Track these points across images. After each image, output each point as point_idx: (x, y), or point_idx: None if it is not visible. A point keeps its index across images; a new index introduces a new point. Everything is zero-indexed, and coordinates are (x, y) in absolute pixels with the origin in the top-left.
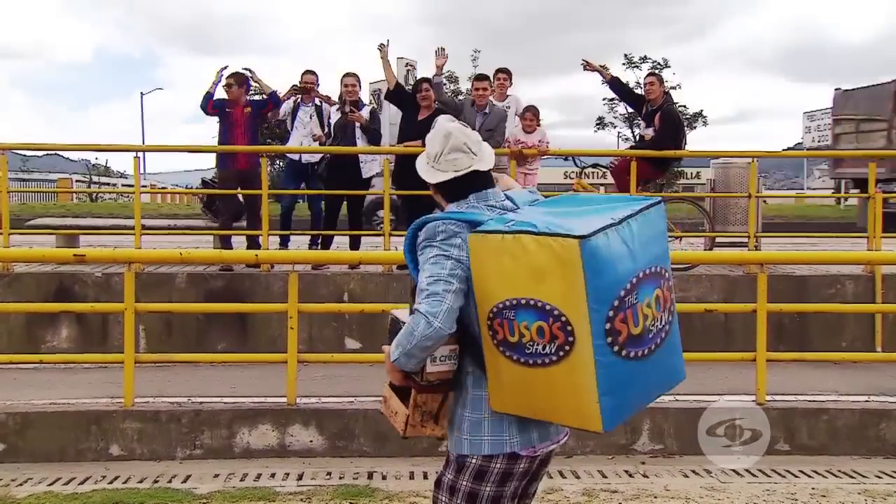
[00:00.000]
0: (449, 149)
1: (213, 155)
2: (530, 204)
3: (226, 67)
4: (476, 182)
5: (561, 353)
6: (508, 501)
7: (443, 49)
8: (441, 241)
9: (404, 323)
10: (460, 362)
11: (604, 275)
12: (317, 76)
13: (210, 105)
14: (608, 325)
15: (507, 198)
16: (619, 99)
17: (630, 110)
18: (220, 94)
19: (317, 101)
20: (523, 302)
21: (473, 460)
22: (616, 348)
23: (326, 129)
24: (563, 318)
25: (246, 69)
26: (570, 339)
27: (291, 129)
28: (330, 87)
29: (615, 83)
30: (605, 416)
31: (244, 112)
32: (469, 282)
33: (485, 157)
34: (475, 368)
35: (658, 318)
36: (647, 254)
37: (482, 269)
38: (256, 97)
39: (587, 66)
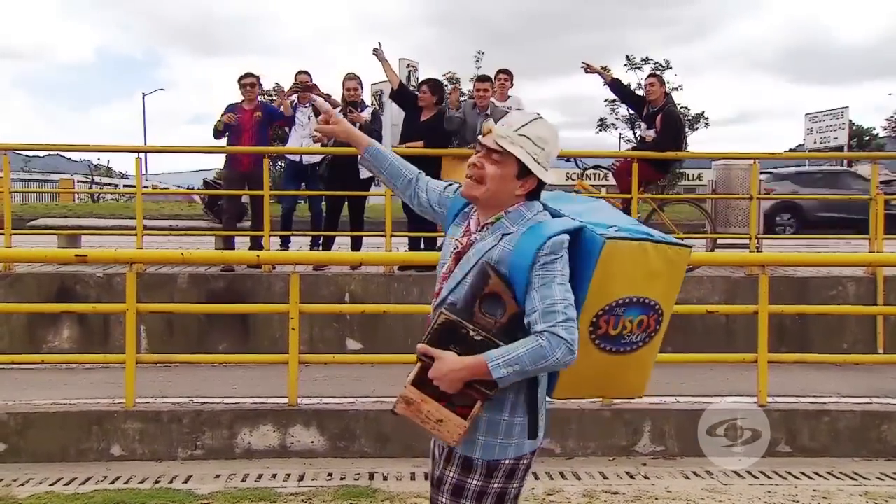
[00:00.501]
0: (556, 144)
1: (215, 156)
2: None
3: (230, 107)
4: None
5: (647, 339)
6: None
7: (457, 84)
8: (561, 256)
9: (469, 327)
10: None
11: None
12: (310, 76)
13: (221, 133)
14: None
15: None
16: (620, 101)
17: (631, 112)
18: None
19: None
20: (636, 299)
21: (506, 462)
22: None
23: None
24: (660, 311)
25: (278, 87)
26: (658, 326)
27: (290, 131)
28: (331, 87)
29: (616, 85)
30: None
31: (253, 117)
32: None
33: None
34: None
35: None
36: None
37: (608, 271)
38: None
39: (587, 69)
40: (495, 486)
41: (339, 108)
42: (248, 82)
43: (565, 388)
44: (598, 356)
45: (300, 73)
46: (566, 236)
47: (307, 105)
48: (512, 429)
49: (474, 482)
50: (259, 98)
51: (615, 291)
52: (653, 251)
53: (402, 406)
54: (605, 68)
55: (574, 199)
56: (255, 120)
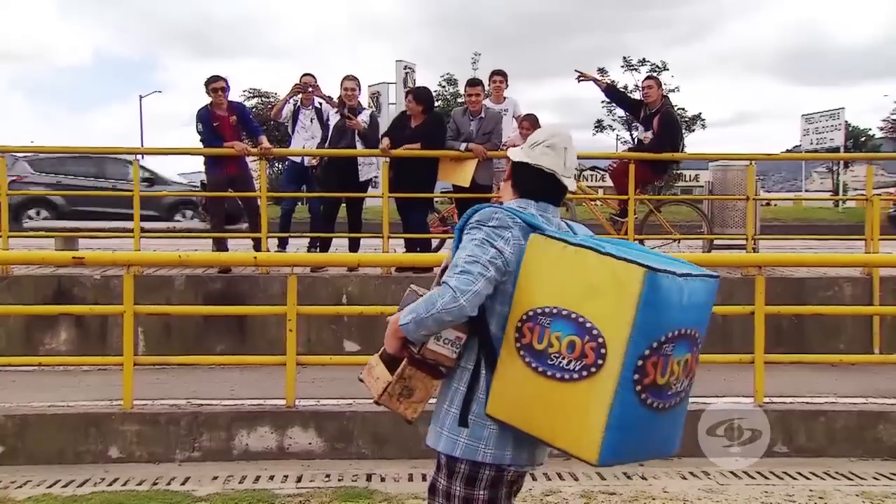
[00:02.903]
0: (549, 143)
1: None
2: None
3: (202, 111)
4: (548, 191)
5: (584, 373)
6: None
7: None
8: (492, 227)
9: (420, 293)
10: (465, 358)
11: (654, 313)
12: (314, 78)
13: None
14: (640, 363)
15: (568, 226)
16: (616, 105)
17: (628, 115)
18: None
19: (316, 103)
20: (564, 313)
21: (463, 466)
22: (638, 388)
23: (326, 131)
24: (601, 340)
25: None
26: (600, 361)
27: (292, 133)
28: (331, 89)
29: (611, 90)
30: (604, 449)
31: (230, 121)
32: (505, 276)
33: (570, 179)
34: (480, 368)
35: (680, 381)
36: (693, 315)
37: (533, 270)
38: (236, 100)
39: (581, 77)
40: (458, 489)
41: (336, 109)
42: (219, 86)
43: (494, 402)
44: (523, 371)
45: (305, 75)
46: (497, 210)
47: (309, 108)
48: (446, 418)
49: (442, 481)
50: (231, 99)
51: (540, 296)
52: (595, 263)
53: (365, 372)
54: (601, 70)
55: (628, 243)
56: (233, 125)
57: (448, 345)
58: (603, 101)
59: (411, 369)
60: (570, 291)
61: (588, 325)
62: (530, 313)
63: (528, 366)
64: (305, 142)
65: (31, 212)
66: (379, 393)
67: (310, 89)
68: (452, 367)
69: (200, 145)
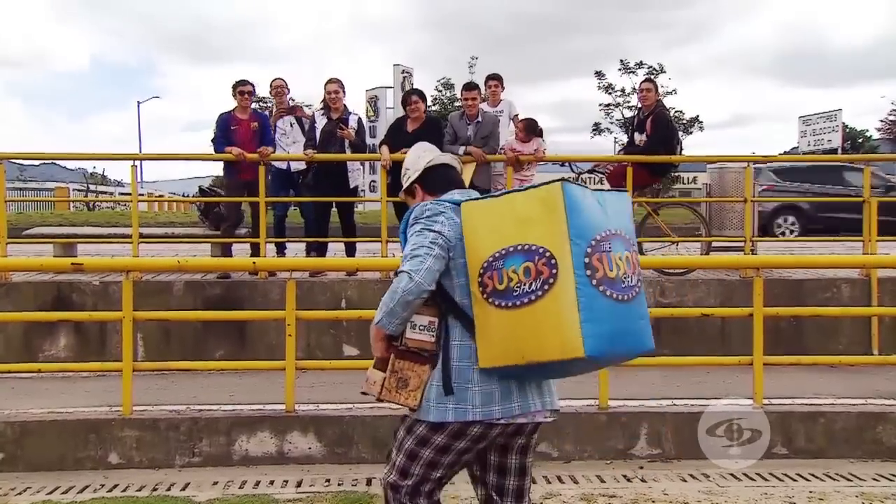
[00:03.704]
0: (420, 149)
1: (210, 163)
2: None
3: (223, 116)
4: (454, 177)
5: (546, 287)
6: (455, 456)
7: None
8: (426, 218)
9: None
10: (441, 337)
11: (581, 215)
12: (285, 82)
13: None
14: (587, 260)
15: None
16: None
17: (626, 116)
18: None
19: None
20: (511, 249)
21: (450, 424)
22: (594, 282)
23: (313, 133)
24: (548, 254)
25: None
26: (554, 271)
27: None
28: (321, 94)
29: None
30: (587, 340)
31: (251, 127)
32: (451, 252)
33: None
34: (455, 339)
35: (629, 276)
36: (617, 220)
37: (473, 231)
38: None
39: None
40: (421, 429)
41: (322, 112)
42: (246, 90)
43: (484, 354)
44: (497, 315)
45: (276, 79)
46: (427, 203)
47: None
48: (430, 391)
49: (411, 418)
50: (254, 106)
51: (487, 247)
52: (520, 198)
53: (364, 385)
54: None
55: None
56: (253, 130)
57: (424, 330)
58: (601, 104)
59: (399, 362)
60: (508, 231)
61: (534, 247)
62: (484, 265)
63: (499, 307)
64: (288, 147)
65: (780, 219)
66: (378, 391)
67: (293, 108)
68: (434, 350)
69: (199, 150)
